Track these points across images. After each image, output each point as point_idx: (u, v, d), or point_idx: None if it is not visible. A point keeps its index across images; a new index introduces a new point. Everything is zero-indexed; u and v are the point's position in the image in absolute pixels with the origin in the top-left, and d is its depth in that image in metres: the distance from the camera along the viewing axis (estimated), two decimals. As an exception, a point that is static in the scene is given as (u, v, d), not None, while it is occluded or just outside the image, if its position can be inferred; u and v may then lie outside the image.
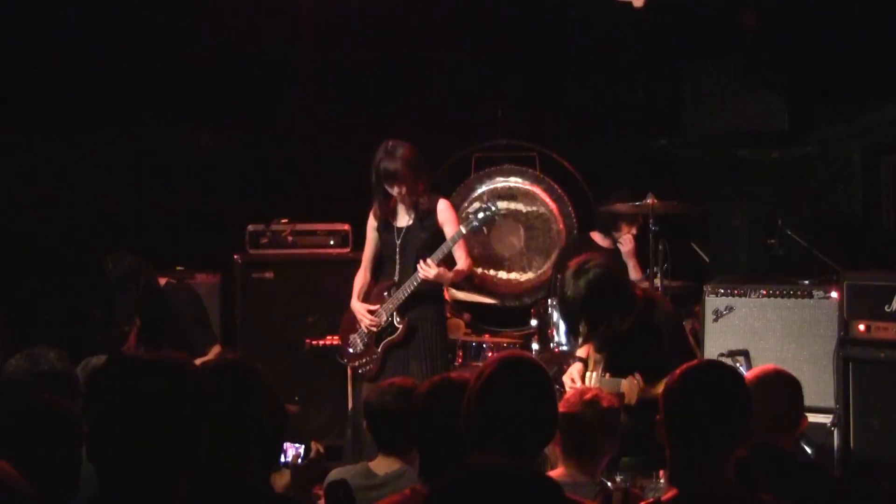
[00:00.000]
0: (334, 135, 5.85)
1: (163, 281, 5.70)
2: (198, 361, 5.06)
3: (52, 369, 3.60)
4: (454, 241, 5.49)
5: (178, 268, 6.82)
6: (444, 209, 5.64)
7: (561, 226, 7.45)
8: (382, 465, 3.81)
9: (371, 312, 5.66)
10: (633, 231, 6.70)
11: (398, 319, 5.58)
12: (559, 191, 7.47)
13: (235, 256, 7.07)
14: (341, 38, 7.52)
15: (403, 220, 5.70)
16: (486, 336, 7.19)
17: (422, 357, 5.57)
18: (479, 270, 7.66)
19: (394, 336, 5.59)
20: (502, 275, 7.62)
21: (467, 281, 7.57)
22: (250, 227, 7.16)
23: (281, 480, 3.46)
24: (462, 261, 5.62)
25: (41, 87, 6.90)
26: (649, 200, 6.17)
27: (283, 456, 3.54)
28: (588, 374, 4.91)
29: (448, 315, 6.74)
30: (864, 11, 6.68)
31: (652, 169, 7.62)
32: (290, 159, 7.43)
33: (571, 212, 7.40)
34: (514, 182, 7.61)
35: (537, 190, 7.53)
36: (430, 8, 7.27)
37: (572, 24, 7.76)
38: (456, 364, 6.71)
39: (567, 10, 7.72)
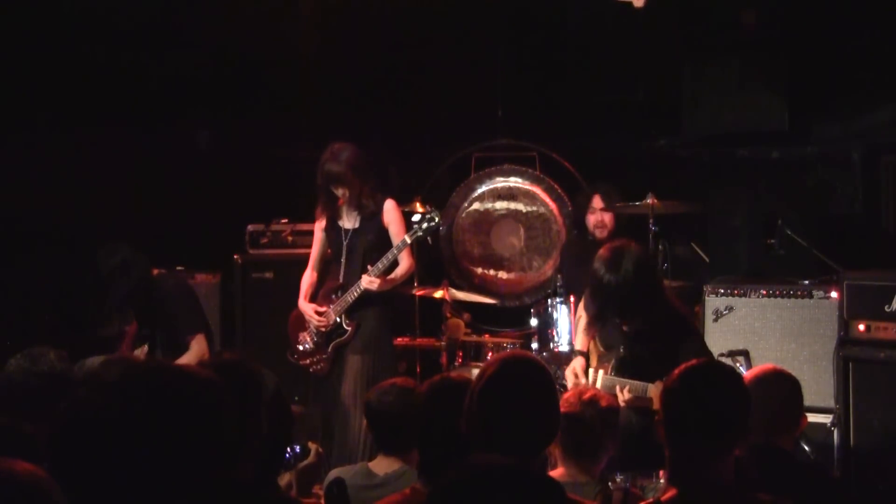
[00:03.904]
0: (334, 135, 5.84)
1: (155, 272, 5.69)
2: (185, 359, 5.11)
3: (51, 369, 3.60)
4: (399, 250, 5.58)
5: (179, 268, 6.83)
6: (389, 209, 5.70)
7: (561, 226, 7.45)
8: (382, 465, 3.81)
9: (319, 313, 5.73)
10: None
11: (347, 322, 5.68)
12: (559, 191, 7.48)
13: (235, 256, 7.08)
14: (341, 38, 7.52)
15: (350, 221, 5.77)
16: (486, 336, 7.20)
17: (360, 351, 5.64)
18: (480, 270, 7.67)
19: (343, 337, 5.68)
20: (502, 275, 7.62)
21: (467, 281, 7.59)
22: (250, 227, 7.17)
23: (281, 481, 3.46)
24: (403, 262, 5.67)
25: (41, 86, 6.90)
26: (649, 200, 6.18)
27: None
28: (591, 370, 4.90)
29: (448, 315, 6.76)
30: (863, 11, 6.68)
31: (652, 169, 7.61)
32: (290, 159, 7.44)
33: (571, 212, 7.41)
34: (514, 182, 7.61)
35: (537, 190, 7.54)
36: (431, 8, 7.27)
37: (572, 24, 7.76)
38: (456, 364, 6.73)
39: (567, 10, 7.71)
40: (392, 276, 5.64)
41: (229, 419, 2.32)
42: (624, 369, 4.75)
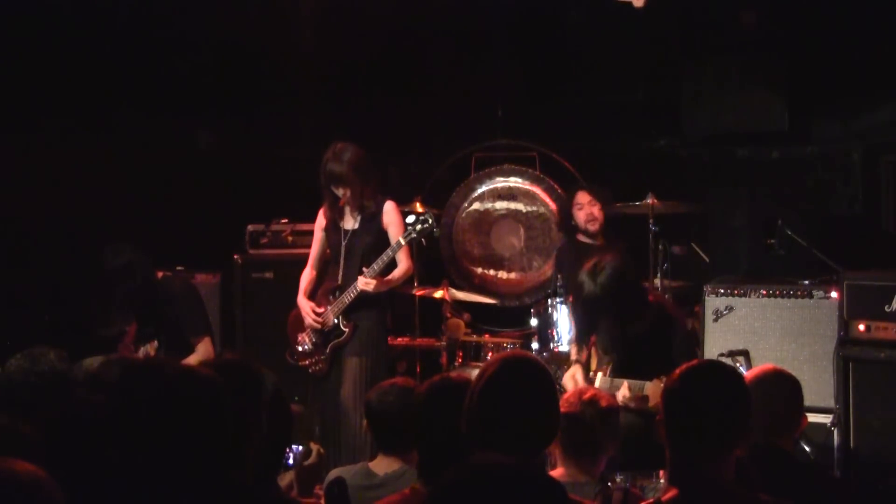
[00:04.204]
0: (334, 135, 5.85)
1: (159, 275, 5.69)
2: (191, 359, 5.12)
3: (52, 369, 3.60)
4: (394, 251, 5.58)
5: (179, 268, 6.83)
6: (389, 210, 5.69)
7: (561, 226, 7.44)
8: (382, 465, 3.81)
9: (317, 313, 5.73)
10: None
11: (344, 323, 5.67)
12: (559, 191, 7.47)
13: (235, 256, 7.08)
14: (341, 38, 7.52)
15: (350, 222, 5.76)
16: (486, 336, 7.19)
17: (358, 353, 5.64)
18: (479, 270, 7.67)
19: (341, 339, 5.67)
20: (502, 275, 7.62)
21: (467, 281, 7.59)
22: (250, 227, 7.16)
23: (283, 482, 3.46)
24: (402, 264, 5.66)
25: (41, 86, 6.90)
26: (649, 200, 6.18)
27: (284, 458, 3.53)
28: (591, 373, 4.93)
29: (448, 315, 6.76)
30: (863, 12, 6.67)
31: (652, 169, 7.62)
32: (290, 159, 7.44)
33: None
34: (514, 182, 7.61)
35: (537, 190, 7.54)
36: (430, 7, 7.26)
37: (572, 24, 7.76)
38: (456, 364, 6.73)
39: (567, 10, 7.72)
40: (389, 277, 5.64)
41: (229, 417, 2.32)
42: (622, 371, 4.79)
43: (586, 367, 5.07)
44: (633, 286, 4.77)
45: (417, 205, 6.78)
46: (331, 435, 5.63)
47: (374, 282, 5.53)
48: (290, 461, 3.56)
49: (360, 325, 5.66)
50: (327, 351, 5.69)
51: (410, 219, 5.57)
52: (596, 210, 6.52)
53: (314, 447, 3.54)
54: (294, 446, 3.54)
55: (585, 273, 4.73)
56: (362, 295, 5.59)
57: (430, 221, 5.55)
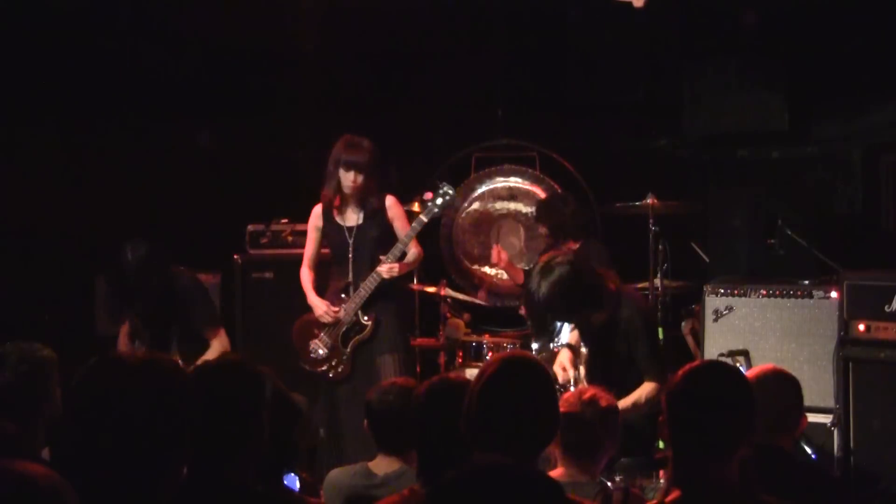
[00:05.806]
0: (334, 135, 5.84)
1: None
2: (210, 353, 5.14)
3: (14, 375, 3.55)
4: (415, 231, 5.53)
5: (179, 268, 6.83)
6: (392, 205, 5.68)
7: (561, 226, 7.43)
8: (382, 465, 3.81)
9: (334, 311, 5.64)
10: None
11: (365, 318, 5.58)
12: (559, 191, 7.47)
13: (235, 256, 7.07)
14: (341, 38, 7.52)
15: (352, 219, 5.70)
16: (486, 336, 7.19)
17: (385, 352, 5.58)
18: (480, 270, 7.67)
19: (362, 334, 5.58)
20: (502, 275, 7.62)
21: (467, 281, 7.58)
22: (250, 227, 7.16)
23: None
24: (412, 249, 5.65)
25: (41, 86, 6.90)
26: (649, 200, 6.18)
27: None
28: (573, 369, 4.98)
29: (448, 315, 6.75)
30: (863, 11, 6.68)
31: (652, 169, 7.62)
32: (290, 159, 7.44)
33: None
34: (514, 182, 7.62)
35: (537, 190, 7.54)
36: (431, 7, 7.27)
37: (572, 24, 7.76)
38: (456, 364, 6.72)
39: (567, 10, 7.71)
40: (406, 261, 5.62)
41: (200, 410, 2.32)
42: (594, 369, 4.81)
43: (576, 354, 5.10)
44: (582, 289, 4.66)
45: (417, 205, 6.77)
46: (340, 436, 5.56)
47: (396, 266, 5.50)
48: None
49: (382, 319, 5.58)
50: (348, 350, 5.61)
51: (429, 196, 5.56)
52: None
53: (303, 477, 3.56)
54: (290, 475, 3.53)
55: (536, 270, 4.72)
56: (380, 286, 5.53)
57: (452, 193, 5.54)
